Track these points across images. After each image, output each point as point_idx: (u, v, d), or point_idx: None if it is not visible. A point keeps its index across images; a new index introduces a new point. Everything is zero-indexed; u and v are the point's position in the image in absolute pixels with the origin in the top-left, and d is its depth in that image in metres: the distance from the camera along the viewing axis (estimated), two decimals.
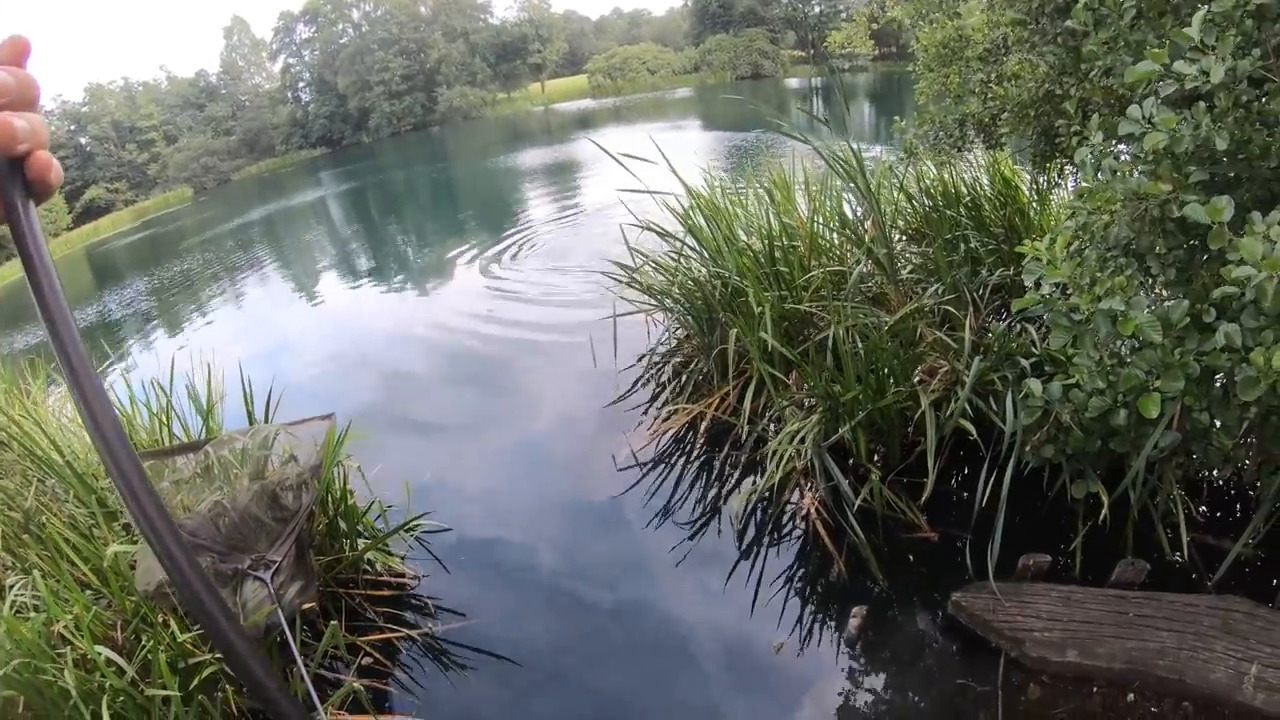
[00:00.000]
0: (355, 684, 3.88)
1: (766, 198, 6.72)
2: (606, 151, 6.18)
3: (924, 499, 4.32)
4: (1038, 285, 3.45)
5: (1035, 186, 6.25)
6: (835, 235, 6.30)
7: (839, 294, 5.32)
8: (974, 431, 4.25)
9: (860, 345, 4.73)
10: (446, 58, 62.09)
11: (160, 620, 3.65)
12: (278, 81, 65.28)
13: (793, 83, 53.37)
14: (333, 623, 3.82)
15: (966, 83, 5.65)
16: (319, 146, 61.06)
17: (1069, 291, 3.37)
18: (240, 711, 3.80)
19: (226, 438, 4.17)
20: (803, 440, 4.62)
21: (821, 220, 6.28)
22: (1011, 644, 3.47)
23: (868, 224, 5.73)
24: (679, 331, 7.19)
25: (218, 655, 3.62)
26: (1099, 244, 3.29)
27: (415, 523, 4.86)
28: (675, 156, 6.37)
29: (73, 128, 58.03)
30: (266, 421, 4.72)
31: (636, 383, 7.01)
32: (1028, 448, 3.81)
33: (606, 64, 64.66)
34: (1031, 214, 6.22)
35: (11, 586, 3.79)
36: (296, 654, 3.05)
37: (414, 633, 4.42)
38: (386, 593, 4.70)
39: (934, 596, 3.97)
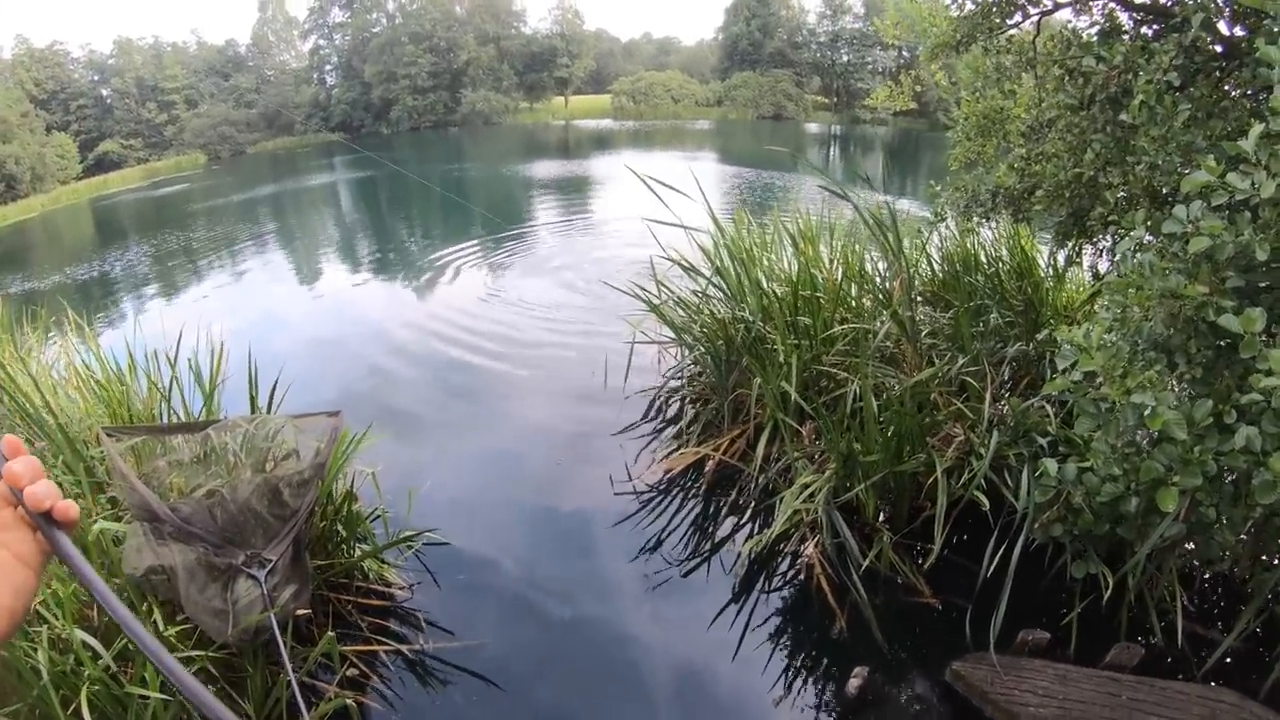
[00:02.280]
0: (345, 698, 3.82)
1: (791, 245, 6.75)
2: (640, 177, 6.20)
3: (929, 564, 4.36)
4: (1065, 372, 3.49)
5: (1054, 263, 6.34)
6: (857, 289, 6.35)
7: (858, 351, 5.34)
8: (987, 504, 4.28)
9: (878, 406, 4.74)
10: (475, 60, 62.20)
11: (144, 608, 3.57)
12: (305, 61, 65.20)
13: (813, 127, 53.88)
14: (329, 634, 3.77)
15: (1003, 156, 5.74)
16: (337, 131, 60.81)
17: (1099, 381, 3.40)
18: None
19: (230, 423, 4.10)
20: (813, 496, 4.64)
21: (844, 273, 6.33)
22: (1006, 718, 3.49)
23: (894, 283, 5.77)
24: (693, 368, 7.19)
25: (210, 653, 3.57)
26: (1132, 337, 3.32)
27: (417, 535, 4.84)
28: (694, 187, 6.38)
29: (96, 78, 57.68)
30: (269, 410, 4.68)
31: (647, 412, 7.05)
32: (1037, 525, 3.84)
33: (631, 87, 64.93)
34: (1045, 291, 6.29)
35: None
36: (286, 660, 3.00)
37: (403, 648, 4.36)
38: (376, 602, 4.64)
39: (933, 663, 3.98)
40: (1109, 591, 3.78)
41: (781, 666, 4.16)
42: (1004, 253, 6.65)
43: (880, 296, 5.94)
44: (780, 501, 4.72)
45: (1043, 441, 4.33)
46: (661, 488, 5.80)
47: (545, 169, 32.37)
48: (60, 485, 3.53)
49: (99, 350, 5.63)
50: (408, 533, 4.77)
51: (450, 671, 4.21)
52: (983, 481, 4.33)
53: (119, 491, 3.84)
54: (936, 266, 6.85)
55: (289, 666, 2.88)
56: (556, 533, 5.52)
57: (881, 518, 4.77)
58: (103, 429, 3.99)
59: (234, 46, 63.72)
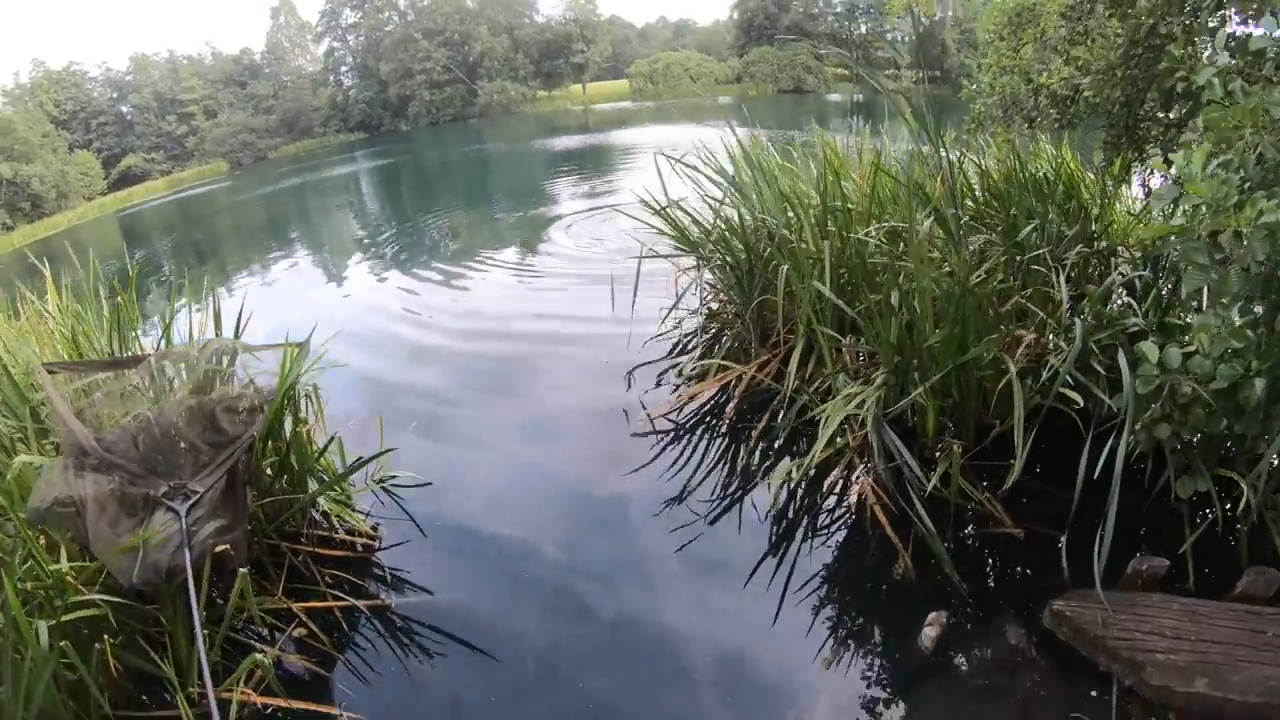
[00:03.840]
0: (267, 656, 3.20)
1: (822, 158, 6.02)
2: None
3: (1007, 488, 3.64)
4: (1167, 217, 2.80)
5: (1102, 184, 5.49)
6: (891, 191, 5.57)
7: (898, 251, 4.64)
8: (1080, 401, 3.55)
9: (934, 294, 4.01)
10: (490, 51, 61.68)
11: (42, 543, 3.04)
12: (320, 64, 65.10)
13: (834, 97, 52.70)
14: (241, 571, 3.06)
15: (1044, 47, 5.02)
16: (356, 131, 60.86)
17: (1203, 220, 2.70)
18: (122, 672, 3.16)
19: (178, 352, 3.60)
20: (860, 405, 3.92)
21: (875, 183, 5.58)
22: (1127, 669, 2.76)
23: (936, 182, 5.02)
24: (712, 297, 6.55)
25: (122, 600, 2.99)
26: (1238, 168, 2.63)
27: (381, 469, 4.28)
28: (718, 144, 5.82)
29: (114, 95, 58.26)
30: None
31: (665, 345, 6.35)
32: (1139, 426, 3.12)
33: (649, 68, 64.10)
34: (1096, 210, 5.48)
35: None
36: (195, 606, 2.38)
37: (362, 603, 3.74)
38: (339, 553, 4.05)
39: (1025, 605, 3.26)
40: (1224, 509, 3.10)
41: (834, 620, 3.43)
42: (1047, 170, 5.86)
43: (920, 196, 5.12)
44: (822, 420, 3.99)
45: (1134, 328, 3.60)
46: (683, 423, 5.12)
47: (566, 142, 31.88)
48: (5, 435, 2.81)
49: (59, 299, 5.11)
50: (376, 456, 4.16)
51: (427, 635, 3.58)
52: (1068, 378, 3.54)
53: (54, 428, 3.33)
54: (976, 187, 6.07)
55: (197, 616, 2.25)
56: (566, 481, 4.82)
57: (946, 439, 4.01)
58: (43, 364, 3.59)
59: (249, 55, 63.70)
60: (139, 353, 4.31)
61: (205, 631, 2.75)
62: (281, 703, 3.18)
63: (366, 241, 14.70)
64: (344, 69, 65.34)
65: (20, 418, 3.80)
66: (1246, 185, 2.58)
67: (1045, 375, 3.70)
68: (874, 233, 4.93)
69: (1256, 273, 2.56)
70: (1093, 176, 5.56)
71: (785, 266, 4.73)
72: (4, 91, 52.30)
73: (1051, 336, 3.94)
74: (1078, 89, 4.65)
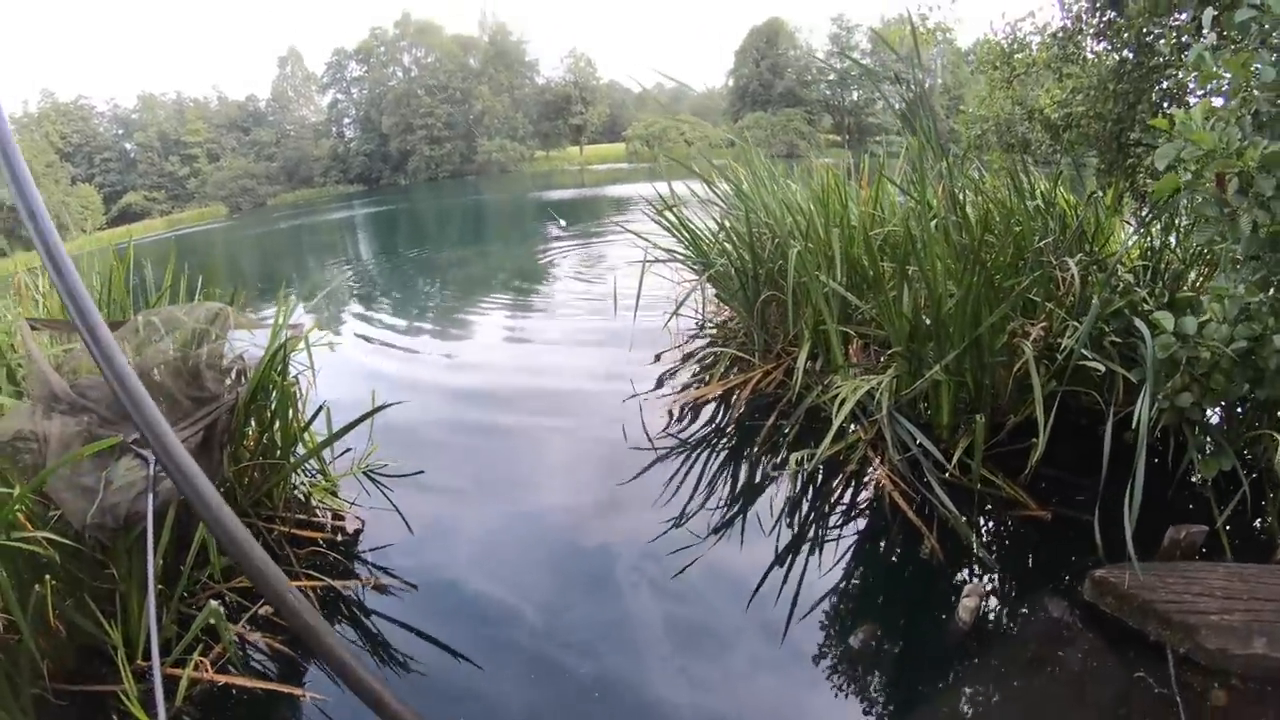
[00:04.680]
0: (229, 630, 3.01)
1: (824, 174, 6.02)
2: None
3: (1027, 473, 3.52)
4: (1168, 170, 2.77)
5: (1096, 212, 5.44)
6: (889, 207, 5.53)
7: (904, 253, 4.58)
8: (1100, 367, 3.43)
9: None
10: (490, 109, 62.71)
11: None
12: (324, 115, 66.06)
13: (827, 160, 53.56)
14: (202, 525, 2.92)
15: (1037, 69, 5.09)
16: (356, 183, 61.51)
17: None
18: (63, 635, 2.96)
19: (165, 312, 3.49)
20: (872, 395, 3.82)
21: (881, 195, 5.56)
22: (1180, 634, 2.60)
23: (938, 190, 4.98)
24: (714, 312, 6.44)
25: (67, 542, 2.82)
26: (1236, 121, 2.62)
27: (368, 456, 4.16)
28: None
29: (120, 132, 59.02)
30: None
31: (666, 358, 6.23)
32: (1161, 396, 3.03)
33: (645, 131, 65.12)
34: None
35: None
36: (150, 557, 2.22)
37: (338, 583, 3.57)
38: (318, 535, 3.89)
39: (1062, 581, 3.13)
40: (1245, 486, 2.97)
41: (865, 602, 3.30)
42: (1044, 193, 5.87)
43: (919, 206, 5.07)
44: (837, 405, 3.87)
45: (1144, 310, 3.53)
46: (685, 433, 4.95)
47: (562, 194, 32.53)
48: None
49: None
50: (360, 419, 3.98)
51: (402, 624, 3.34)
52: (1084, 352, 3.44)
53: (29, 382, 3.18)
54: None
55: (151, 565, 2.07)
56: (566, 480, 4.64)
57: (961, 431, 3.90)
58: (25, 319, 3.44)
59: (254, 101, 64.67)
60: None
61: (159, 588, 2.58)
62: (242, 681, 2.99)
63: (355, 281, 14.58)
64: (346, 120, 66.28)
65: None
66: (1242, 137, 2.57)
67: (1060, 358, 3.62)
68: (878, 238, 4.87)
69: (1265, 227, 2.53)
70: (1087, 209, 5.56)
71: (795, 250, 4.65)
72: (11, 119, 52.93)
73: (1063, 321, 3.86)
74: (1069, 116, 4.68)
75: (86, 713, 2.88)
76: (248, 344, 3.74)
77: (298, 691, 2.96)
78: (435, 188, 54.75)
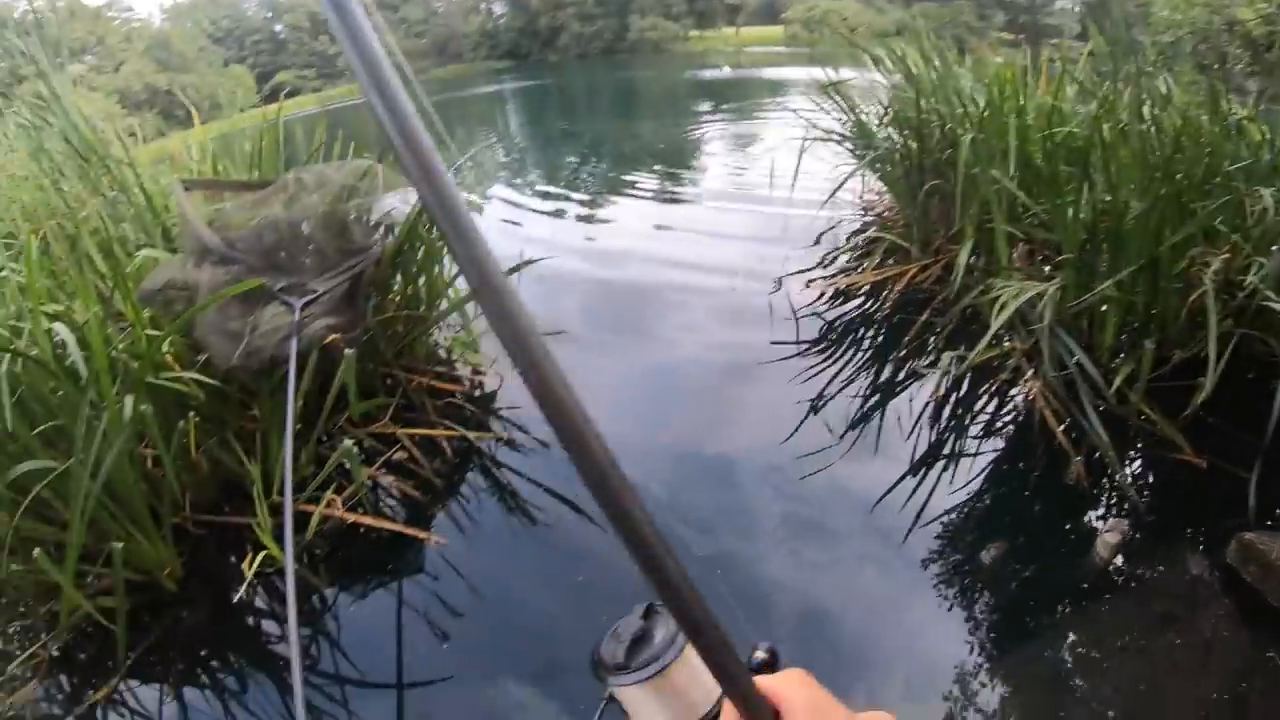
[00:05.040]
0: (362, 473, 3.10)
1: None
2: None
3: (1187, 413, 3.19)
4: None
5: None
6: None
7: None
8: None
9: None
10: None
11: (149, 320, 2.99)
12: None
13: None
14: (348, 351, 2.97)
15: None
16: (505, 58, 61.62)
17: None
18: (205, 470, 3.11)
19: (315, 170, 3.55)
20: (1033, 305, 3.51)
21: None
22: None
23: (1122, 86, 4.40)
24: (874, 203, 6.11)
25: (212, 382, 2.91)
26: None
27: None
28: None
29: (269, 15, 61.14)
30: None
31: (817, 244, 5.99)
32: None
33: (805, 14, 62.03)
34: None
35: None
36: (291, 388, 2.23)
37: (472, 434, 3.66)
38: (456, 387, 4.00)
39: (1207, 537, 2.87)
40: None
41: (1001, 518, 3.13)
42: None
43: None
44: (996, 309, 3.57)
45: None
46: (831, 319, 4.79)
47: (716, 74, 31.18)
48: (125, 239, 2.67)
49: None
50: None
51: (531, 480, 3.44)
52: (1268, 293, 3.07)
53: (182, 238, 3.30)
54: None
55: (291, 402, 2.10)
56: (697, 368, 4.53)
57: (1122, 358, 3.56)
58: (179, 180, 3.53)
59: None
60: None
61: (298, 427, 2.65)
62: (369, 520, 3.14)
63: (503, 155, 14.66)
64: None
65: (151, 235, 3.86)
66: None
67: (1242, 295, 3.22)
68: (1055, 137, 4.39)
69: None
70: None
71: (967, 138, 4.27)
72: (163, 9, 55.72)
73: (1249, 257, 3.38)
74: (1274, 34, 3.99)
75: (222, 542, 3.11)
76: (396, 201, 3.77)
77: (422, 535, 3.10)
78: (585, 65, 54.23)
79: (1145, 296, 3.50)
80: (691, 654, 0.68)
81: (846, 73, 6.07)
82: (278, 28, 61.07)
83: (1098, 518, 2.98)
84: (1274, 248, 3.18)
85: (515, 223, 8.05)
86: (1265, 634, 2.44)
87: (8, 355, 2.49)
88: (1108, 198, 3.52)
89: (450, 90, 39.90)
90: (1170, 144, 3.49)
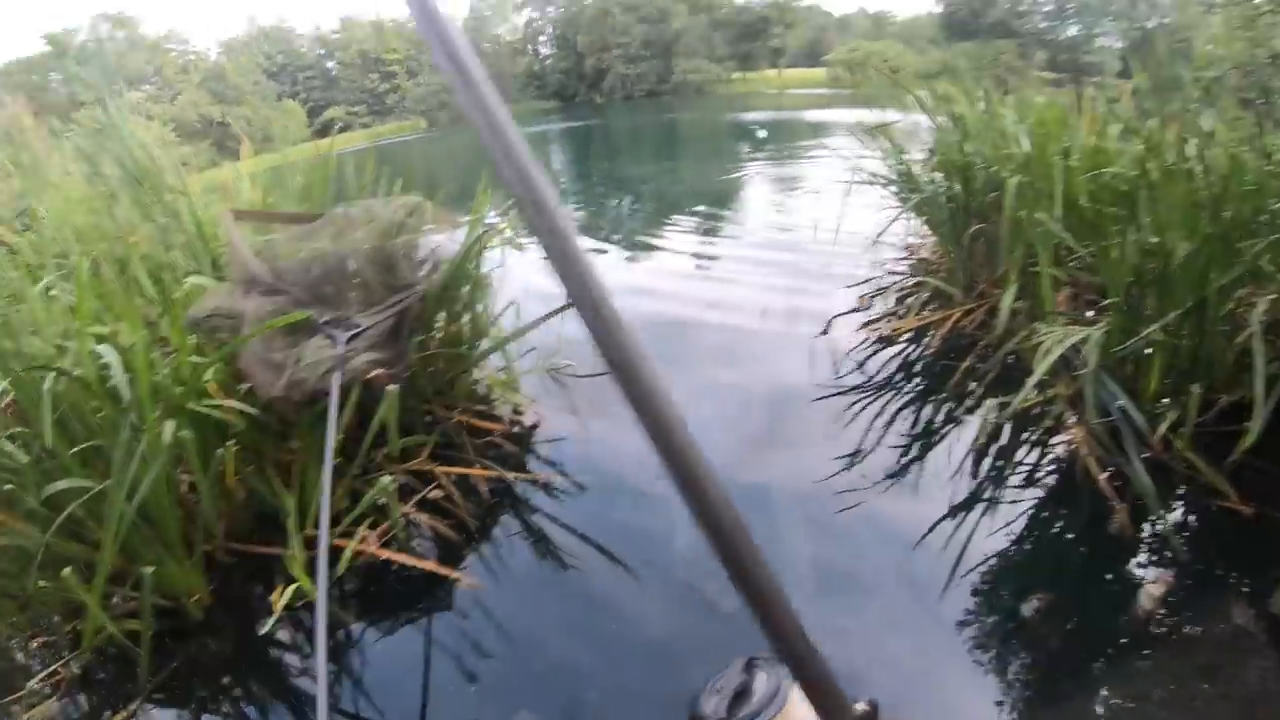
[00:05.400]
0: (399, 510, 3.12)
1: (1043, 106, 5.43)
2: None
3: (1232, 459, 3.07)
4: None
5: None
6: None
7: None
8: None
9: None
10: (687, 29, 62.02)
11: (194, 346, 3.04)
12: (520, 33, 67.77)
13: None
14: (390, 388, 2.99)
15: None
16: (552, 99, 62.85)
17: None
18: (242, 499, 3.12)
19: (363, 205, 3.60)
20: (1077, 350, 3.42)
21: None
22: None
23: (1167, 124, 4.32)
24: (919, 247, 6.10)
25: (252, 411, 2.92)
26: None
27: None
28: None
29: (322, 52, 63.18)
30: None
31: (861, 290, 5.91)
32: None
33: (847, 56, 62.44)
34: None
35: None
36: (332, 423, 2.22)
37: (511, 474, 3.64)
38: (494, 426, 4.00)
39: (1252, 586, 2.75)
40: None
41: (1039, 567, 3.03)
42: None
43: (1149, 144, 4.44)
44: (1040, 354, 3.48)
45: None
46: (874, 365, 4.71)
47: (758, 116, 31.55)
48: (175, 266, 2.79)
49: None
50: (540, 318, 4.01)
51: (565, 525, 3.38)
52: None
53: (231, 267, 3.35)
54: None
55: (332, 435, 2.09)
56: (741, 405, 4.46)
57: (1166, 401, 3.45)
58: (230, 210, 3.63)
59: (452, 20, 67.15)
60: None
61: (337, 461, 2.65)
62: (402, 558, 3.11)
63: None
64: (542, 39, 67.56)
65: (200, 262, 3.93)
66: None
67: None
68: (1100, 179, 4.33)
69: None
70: None
71: (1013, 181, 4.22)
72: (220, 43, 57.87)
73: None
74: None
75: (252, 571, 3.09)
76: (444, 240, 3.81)
77: (455, 574, 3.06)
78: (630, 106, 55.08)
79: (1191, 340, 3.40)
80: (794, 708, 0.67)
81: (890, 114, 6.06)
82: (330, 64, 63.17)
83: (1141, 568, 2.88)
84: None
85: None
86: None
87: (52, 374, 2.53)
88: (1154, 239, 3.43)
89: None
90: (1219, 182, 3.41)
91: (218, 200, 4.83)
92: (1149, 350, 3.49)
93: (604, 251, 8.42)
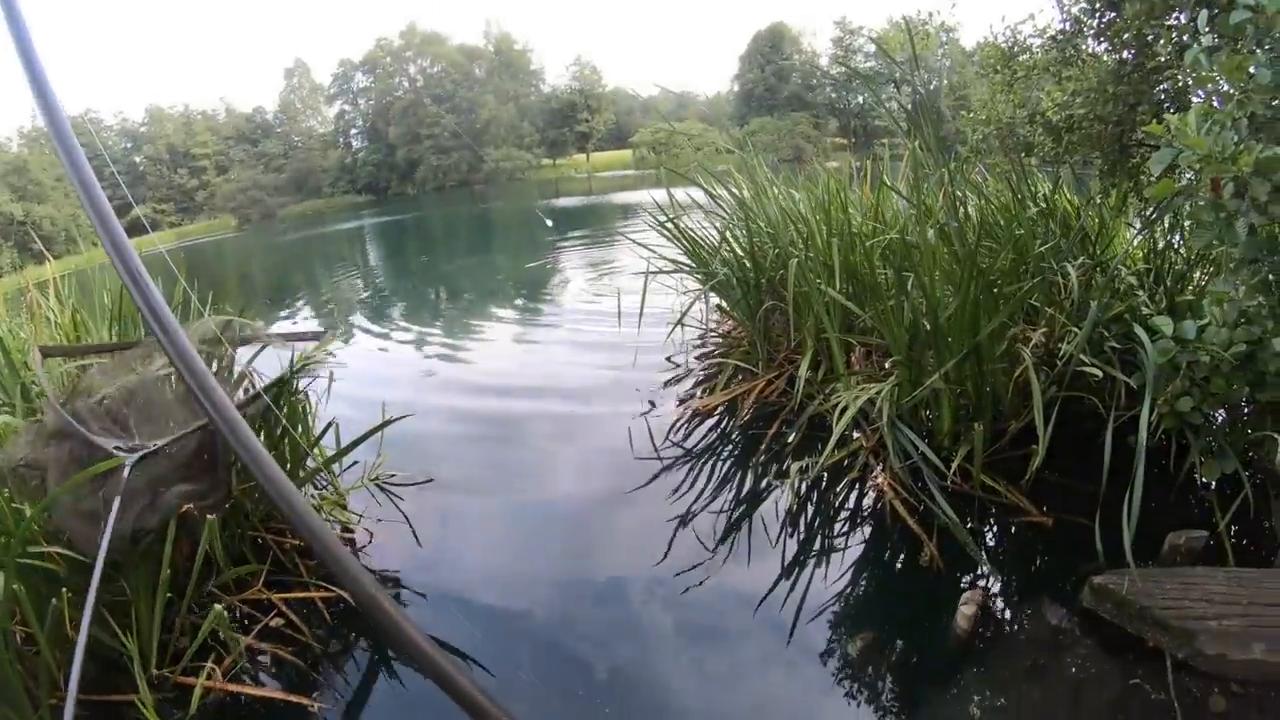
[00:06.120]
0: (240, 644, 3.08)
1: (825, 179, 6.02)
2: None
3: (1027, 478, 3.54)
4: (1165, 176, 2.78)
5: (1100, 214, 5.38)
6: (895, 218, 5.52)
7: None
8: (1099, 373, 3.47)
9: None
10: (496, 118, 62.99)
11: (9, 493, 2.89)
12: (331, 126, 66.73)
13: (833, 164, 53.57)
14: (210, 518, 2.93)
15: (1037, 72, 5.04)
16: (364, 193, 61.96)
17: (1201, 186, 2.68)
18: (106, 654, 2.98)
19: (193, 328, 3.54)
20: (873, 403, 3.84)
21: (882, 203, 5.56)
22: (1179, 639, 2.60)
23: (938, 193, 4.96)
24: (717, 323, 6.49)
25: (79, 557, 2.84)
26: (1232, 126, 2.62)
27: (379, 468, 4.20)
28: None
29: (128, 145, 59.80)
30: None
31: (667, 368, 6.25)
32: (1161, 401, 3.04)
33: (651, 137, 65.20)
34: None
35: None
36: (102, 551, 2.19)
37: (347, 593, 3.58)
38: None
39: (1061, 588, 3.13)
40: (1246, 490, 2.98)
41: (863, 610, 3.31)
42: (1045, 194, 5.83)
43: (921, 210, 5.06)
44: (836, 415, 3.87)
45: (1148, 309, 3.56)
46: (690, 442, 4.96)
47: (569, 202, 32.94)
48: None
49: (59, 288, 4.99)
50: (368, 433, 4.09)
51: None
52: (1083, 357, 3.51)
53: (46, 412, 3.22)
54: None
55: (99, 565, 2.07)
56: (562, 505, 4.55)
57: (960, 440, 3.89)
58: (39, 346, 3.54)
59: (261, 113, 65.34)
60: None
61: (168, 596, 2.61)
62: (251, 690, 3.04)
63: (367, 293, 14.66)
64: (354, 131, 66.79)
65: (10, 393, 3.73)
66: (1238, 141, 2.57)
67: (1060, 364, 3.63)
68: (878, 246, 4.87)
69: (1262, 227, 2.54)
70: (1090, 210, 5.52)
71: (795, 261, 4.68)
72: (21, 133, 53.65)
73: (1063, 327, 3.87)
74: (1070, 118, 4.65)
75: None
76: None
77: (306, 701, 2.99)
78: (443, 196, 55.03)
79: (973, 382, 3.87)
80: None
81: (693, 193, 6.49)
82: (137, 159, 59.61)
83: (957, 591, 3.15)
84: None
85: (383, 349, 8.17)
86: (1131, 665, 2.67)
87: None
88: (922, 299, 3.91)
89: (311, 226, 39.70)
90: (976, 236, 3.94)
91: (25, 323, 4.60)
92: (938, 394, 3.94)
93: (420, 345, 8.53)
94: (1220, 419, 3.28)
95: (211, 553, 3.06)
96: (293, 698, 3.00)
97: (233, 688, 3.02)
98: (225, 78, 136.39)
